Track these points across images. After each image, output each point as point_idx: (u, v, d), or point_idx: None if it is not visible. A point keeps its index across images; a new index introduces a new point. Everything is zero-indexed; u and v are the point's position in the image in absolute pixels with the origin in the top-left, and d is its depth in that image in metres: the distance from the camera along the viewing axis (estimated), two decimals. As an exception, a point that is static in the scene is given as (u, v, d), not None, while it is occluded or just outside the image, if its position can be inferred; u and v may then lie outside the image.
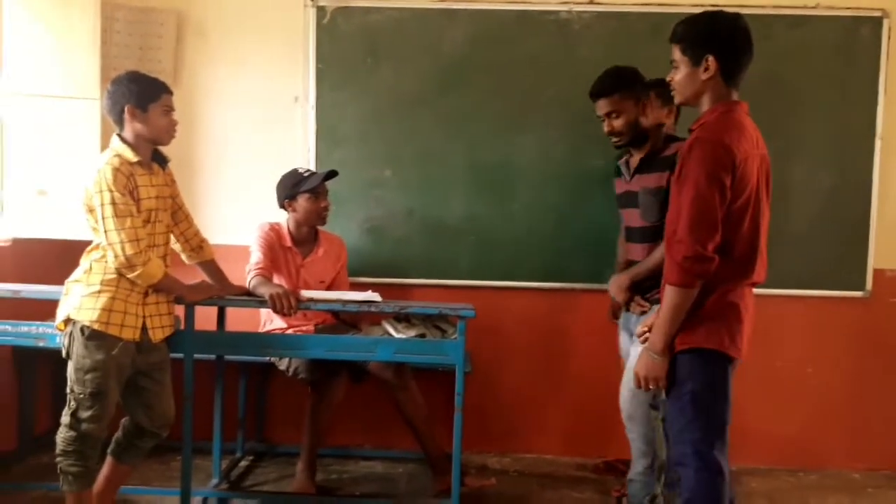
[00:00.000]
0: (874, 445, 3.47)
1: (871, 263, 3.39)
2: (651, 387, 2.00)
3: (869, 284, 3.40)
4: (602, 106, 2.52)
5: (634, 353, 2.35)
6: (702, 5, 3.23)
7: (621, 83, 2.50)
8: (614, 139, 2.54)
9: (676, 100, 2.07)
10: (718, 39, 1.94)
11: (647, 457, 2.41)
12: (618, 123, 2.50)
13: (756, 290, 2.08)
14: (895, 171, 3.38)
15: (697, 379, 1.96)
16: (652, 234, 2.48)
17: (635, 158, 2.56)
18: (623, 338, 2.70)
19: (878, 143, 3.35)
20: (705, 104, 1.98)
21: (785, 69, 3.35)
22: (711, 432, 1.97)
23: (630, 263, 2.62)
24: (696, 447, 1.96)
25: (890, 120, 3.35)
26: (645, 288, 2.50)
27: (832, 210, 3.39)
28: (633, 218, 2.59)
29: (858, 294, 3.40)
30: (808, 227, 3.39)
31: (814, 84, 3.37)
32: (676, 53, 2.00)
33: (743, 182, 1.89)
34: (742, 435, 3.19)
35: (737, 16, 1.97)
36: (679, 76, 2.00)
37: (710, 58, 1.92)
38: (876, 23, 3.33)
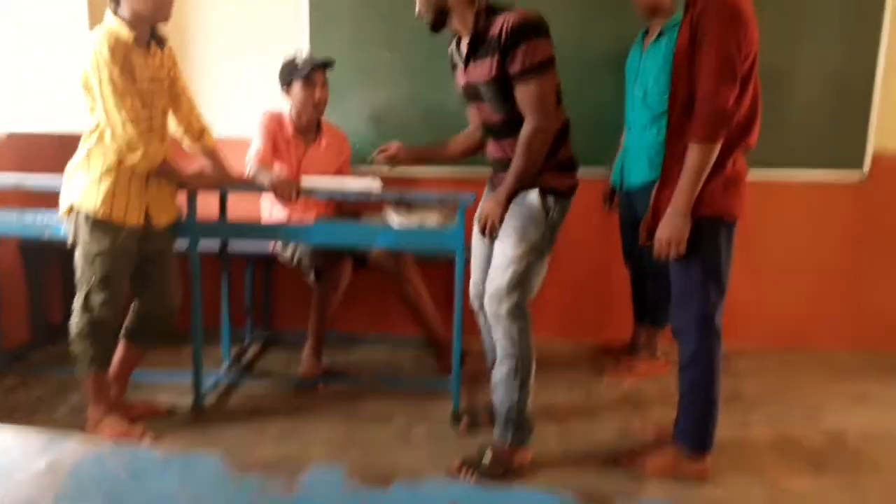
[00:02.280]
0: (862, 327, 3.57)
1: (872, 144, 3.37)
2: (672, 252, 2.05)
3: (867, 166, 3.40)
4: None
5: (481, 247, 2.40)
6: None
7: None
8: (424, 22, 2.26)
9: None
10: None
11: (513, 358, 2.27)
12: (417, 3, 2.23)
13: (754, 169, 2.14)
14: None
15: (712, 245, 2.05)
16: (504, 129, 2.22)
17: (464, 44, 2.25)
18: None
19: (886, 22, 3.26)
20: None
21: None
22: (717, 298, 2.07)
23: (492, 162, 2.38)
24: (703, 311, 2.06)
25: (899, -2, 3.25)
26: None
27: (835, 89, 3.34)
28: (482, 113, 2.29)
29: (856, 175, 3.41)
30: (809, 106, 3.35)
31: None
32: None
33: (751, 42, 1.94)
34: (732, 316, 3.29)
35: None
36: None
37: None
38: None
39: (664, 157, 2.18)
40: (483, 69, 2.16)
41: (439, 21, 2.23)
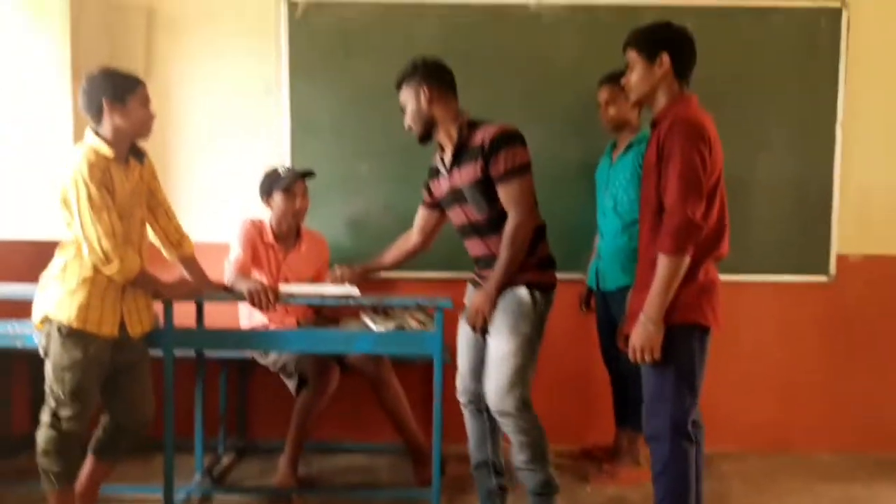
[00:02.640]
0: (842, 428, 3.58)
1: (835, 249, 3.49)
2: (647, 358, 2.07)
3: (833, 269, 3.50)
4: (400, 98, 2.49)
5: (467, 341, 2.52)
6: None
7: (403, 75, 2.47)
8: (412, 133, 2.49)
9: (632, 98, 2.24)
10: (670, 40, 2.15)
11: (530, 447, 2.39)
12: (406, 117, 2.47)
13: (725, 276, 2.19)
14: (855, 158, 3.48)
15: (686, 352, 2.07)
16: (488, 227, 2.38)
17: (448, 154, 2.46)
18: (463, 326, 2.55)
19: (838, 132, 3.45)
20: (661, 99, 2.16)
21: (748, 61, 3.45)
22: (690, 405, 2.07)
23: (475, 260, 2.53)
24: (675, 420, 2.06)
25: (850, 108, 3.45)
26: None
27: (796, 197, 3.49)
28: (464, 215, 2.46)
29: (823, 279, 3.51)
30: (773, 214, 3.48)
31: (776, 74, 3.45)
32: (632, 55, 2.18)
33: (715, 158, 2.05)
34: (712, 419, 3.29)
35: (683, 26, 2.18)
36: (635, 75, 2.18)
37: (665, 54, 2.12)
38: (835, 14, 3.42)
39: (637, 263, 2.23)
40: (467, 174, 2.36)
41: (426, 133, 2.47)
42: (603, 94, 3.10)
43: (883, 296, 3.54)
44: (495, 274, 2.33)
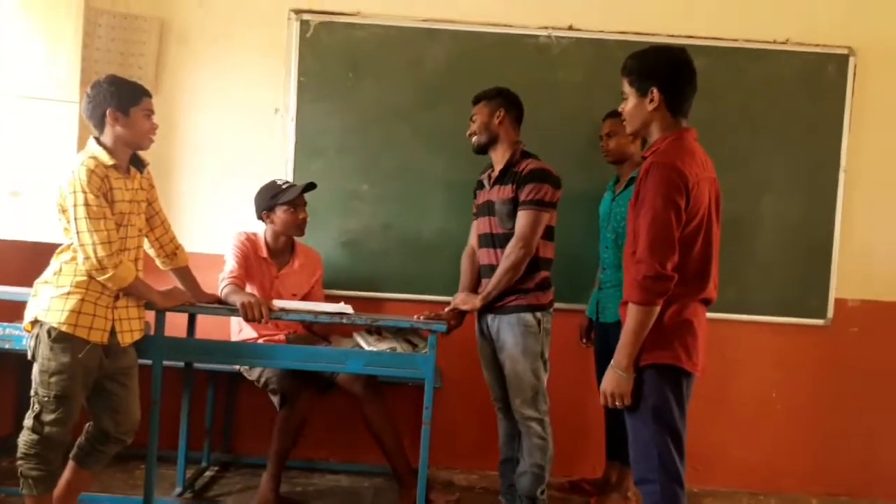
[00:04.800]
0: (833, 471, 3.54)
1: (833, 293, 3.48)
2: (617, 403, 2.04)
3: (830, 313, 3.49)
4: (474, 110, 2.86)
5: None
6: (675, 35, 3.38)
7: (485, 94, 2.84)
8: (472, 139, 2.85)
9: (627, 129, 2.18)
10: (661, 72, 2.05)
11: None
12: (474, 126, 2.84)
13: (720, 315, 2.17)
14: (857, 203, 3.49)
15: (659, 394, 2.01)
16: (502, 241, 2.75)
17: (495, 171, 2.83)
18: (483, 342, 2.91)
19: (842, 177, 3.46)
20: (654, 133, 2.09)
21: (755, 101, 3.47)
22: (674, 445, 2.03)
23: (481, 268, 2.90)
24: (662, 460, 2.01)
25: (853, 153, 3.46)
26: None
27: (796, 240, 3.48)
28: (489, 225, 2.83)
29: (820, 322, 3.49)
30: (773, 256, 3.48)
31: (781, 117, 3.47)
32: (626, 86, 2.11)
33: (696, 204, 1.98)
34: (703, 457, 3.25)
35: (681, 49, 2.09)
36: (628, 107, 2.12)
37: (654, 90, 2.04)
38: (842, 60, 3.45)
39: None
40: (503, 192, 2.77)
41: (485, 147, 2.84)
42: (605, 127, 3.14)
43: (880, 341, 3.52)
44: (489, 290, 2.74)
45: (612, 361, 2.04)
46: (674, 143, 2.02)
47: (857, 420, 3.53)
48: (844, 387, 3.53)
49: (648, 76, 2.05)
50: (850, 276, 3.49)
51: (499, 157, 2.83)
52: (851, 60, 3.45)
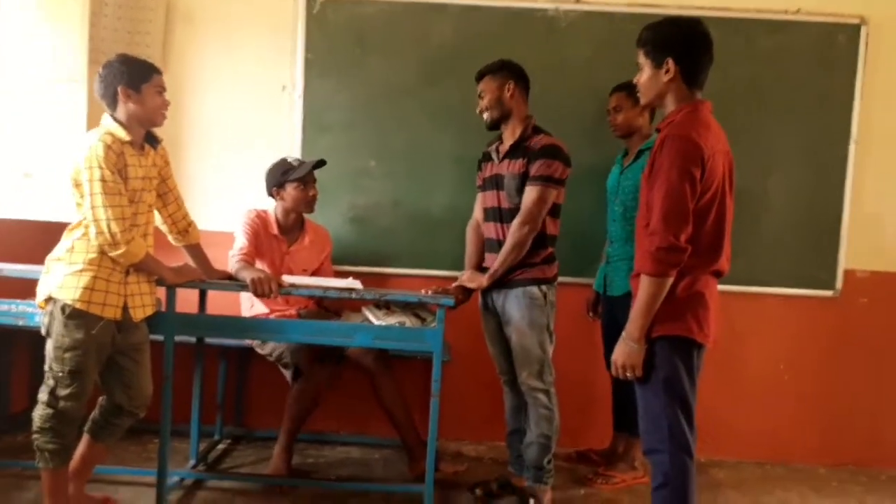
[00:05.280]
0: (840, 442, 3.56)
1: (842, 264, 3.47)
2: (629, 375, 2.06)
3: (839, 284, 3.48)
4: (481, 86, 2.82)
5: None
6: (685, 7, 3.34)
7: (490, 68, 2.80)
8: (483, 116, 2.82)
9: (642, 101, 2.17)
10: (678, 43, 2.05)
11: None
12: (483, 102, 2.80)
13: (731, 287, 2.17)
14: (868, 174, 3.47)
15: (670, 365, 2.03)
16: (510, 215, 2.73)
17: (505, 145, 2.80)
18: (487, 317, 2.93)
19: (852, 148, 3.43)
20: (669, 104, 2.08)
21: (765, 73, 3.43)
22: (684, 416, 2.05)
23: (487, 242, 2.90)
24: (672, 431, 2.03)
25: (864, 125, 3.43)
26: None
27: (806, 211, 3.47)
28: (496, 199, 2.81)
29: (829, 293, 3.49)
30: (783, 228, 3.47)
31: (791, 88, 3.44)
32: (641, 57, 2.11)
33: (710, 176, 1.98)
34: (712, 427, 3.27)
35: (697, 21, 2.08)
36: (643, 78, 2.11)
37: (670, 60, 2.03)
38: (854, 30, 3.41)
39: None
40: (514, 166, 2.74)
41: (498, 122, 2.81)
42: (612, 101, 3.13)
43: (889, 312, 3.52)
44: (496, 269, 2.74)
45: (623, 333, 2.06)
46: (689, 115, 2.02)
47: (865, 391, 3.54)
48: (853, 358, 3.54)
49: (664, 47, 2.04)
50: (860, 248, 3.48)
51: (510, 132, 2.80)
52: (863, 30, 3.40)
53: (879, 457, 3.55)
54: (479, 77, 2.81)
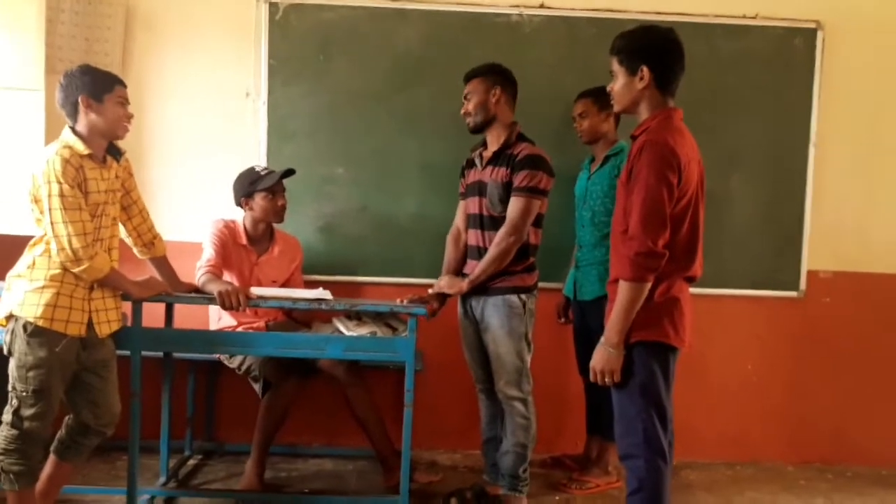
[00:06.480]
0: (807, 440, 3.63)
1: (805, 265, 3.55)
2: (607, 380, 2.07)
3: (803, 285, 3.55)
4: (468, 87, 2.81)
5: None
6: (647, 12, 3.39)
7: (479, 70, 2.79)
8: (467, 120, 2.79)
9: (615, 108, 2.19)
10: (652, 51, 2.08)
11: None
12: (468, 105, 2.78)
13: (696, 290, 2.20)
14: (828, 176, 3.54)
15: (647, 370, 2.05)
16: (493, 224, 2.73)
17: (489, 151, 2.79)
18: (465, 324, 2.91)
19: (811, 150, 3.51)
20: (643, 112, 2.11)
21: (724, 77, 3.49)
22: (660, 421, 2.06)
23: (468, 249, 2.89)
24: (648, 436, 2.05)
25: (823, 128, 3.51)
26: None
27: (769, 214, 3.54)
28: (479, 206, 2.80)
29: (793, 294, 3.56)
30: (745, 230, 3.53)
31: (751, 92, 3.50)
32: (615, 64, 2.13)
33: (686, 183, 2.01)
34: (682, 430, 3.31)
35: (669, 30, 2.11)
36: (617, 86, 2.13)
37: (645, 68, 2.06)
38: (810, 34, 3.48)
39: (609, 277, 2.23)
40: (497, 174, 2.73)
41: (482, 127, 2.78)
42: (578, 108, 3.15)
43: (852, 312, 3.59)
44: (476, 275, 2.73)
45: (602, 338, 2.06)
46: (664, 122, 2.05)
47: (830, 389, 3.61)
48: (819, 357, 3.61)
49: (639, 55, 2.07)
50: (822, 249, 3.55)
51: (494, 138, 2.78)
52: (819, 34, 3.48)
53: (844, 454, 3.62)
54: (468, 79, 2.79)
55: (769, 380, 3.61)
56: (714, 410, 3.59)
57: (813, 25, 3.48)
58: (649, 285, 2.00)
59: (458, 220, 2.96)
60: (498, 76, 2.77)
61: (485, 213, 2.77)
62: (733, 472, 3.50)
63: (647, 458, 2.06)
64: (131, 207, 2.59)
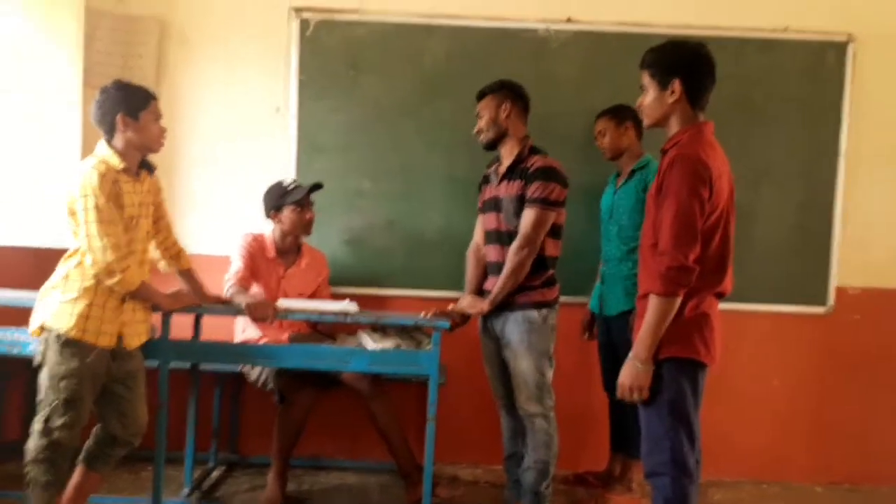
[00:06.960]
0: (835, 460, 3.56)
1: (834, 281, 3.49)
2: (635, 396, 2.04)
3: (831, 301, 3.50)
4: (480, 105, 2.81)
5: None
6: (675, 26, 3.37)
7: (490, 88, 2.78)
8: (480, 137, 2.80)
9: (645, 122, 2.17)
10: (683, 65, 2.06)
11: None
12: (481, 122, 2.79)
13: (723, 305, 2.16)
14: (858, 190, 3.49)
15: (676, 387, 2.02)
16: (510, 238, 2.70)
17: (503, 166, 2.78)
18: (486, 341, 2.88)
19: (841, 164, 3.46)
20: (674, 126, 2.09)
21: (754, 91, 3.46)
22: (688, 440, 2.03)
23: (488, 265, 2.86)
24: (675, 455, 2.02)
25: (853, 141, 3.46)
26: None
27: (797, 228, 3.49)
28: (496, 221, 2.78)
29: (821, 310, 3.50)
30: (774, 245, 3.49)
31: (781, 105, 3.47)
32: (645, 78, 2.12)
33: (717, 197, 1.99)
34: (707, 447, 3.27)
35: (700, 44, 2.10)
36: (648, 100, 2.12)
37: (676, 82, 2.05)
38: (841, 48, 3.45)
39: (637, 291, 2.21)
40: (512, 188, 2.72)
41: (494, 143, 2.79)
42: (597, 126, 3.17)
43: (880, 329, 3.53)
44: (496, 293, 2.70)
45: (630, 354, 2.04)
46: (696, 136, 2.04)
47: (859, 408, 3.54)
48: (847, 375, 3.54)
49: (670, 69, 2.06)
50: (851, 264, 3.50)
51: (507, 153, 2.78)
52: (850, 47, 3.44)
53: (873, 474, 3.55)
54: (480, 97, 2.80)
55: (796, 397, 3.56)
56: (740, 427, 3.54)
57: (844, 38, 3.44)
58: (679, 300, 1.98)
59: (477, 236, 2.95)
60: (507, 91, 2.77)
61: (502, 228, 2.75)
62: (760, 490, 3.44)
63: (674, 477, 2.03)
64: (159, 222, 2.63)
